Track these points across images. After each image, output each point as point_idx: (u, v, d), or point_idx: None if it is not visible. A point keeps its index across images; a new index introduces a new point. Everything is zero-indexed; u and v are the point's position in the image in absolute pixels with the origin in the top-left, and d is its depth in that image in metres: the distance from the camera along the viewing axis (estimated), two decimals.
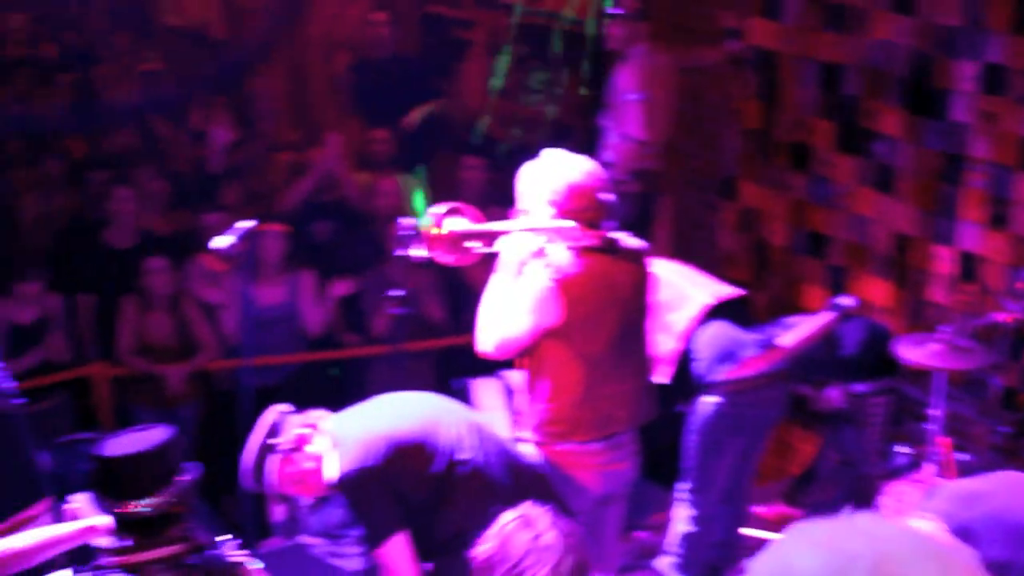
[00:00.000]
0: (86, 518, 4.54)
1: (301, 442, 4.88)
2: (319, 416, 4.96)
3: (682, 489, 6.31)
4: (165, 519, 3.83)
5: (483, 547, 3.72)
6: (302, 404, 5.23)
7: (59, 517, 6.17)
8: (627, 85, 8.91)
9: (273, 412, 4.97)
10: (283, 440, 4.87)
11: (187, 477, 3.91)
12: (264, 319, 8.24)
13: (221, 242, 6.19)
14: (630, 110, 8.91)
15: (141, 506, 3.81)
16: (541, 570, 3.61)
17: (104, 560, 3.84)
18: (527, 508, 3.79)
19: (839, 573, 1.71)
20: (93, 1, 15.07)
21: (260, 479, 4.91)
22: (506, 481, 4.79)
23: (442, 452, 4.78)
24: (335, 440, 4.82)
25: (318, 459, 4.85)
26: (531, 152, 5.37)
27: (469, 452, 4.79)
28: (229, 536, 4.44)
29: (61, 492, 6.21)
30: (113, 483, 3.84)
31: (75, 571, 3.90)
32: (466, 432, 4.87)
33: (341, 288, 8.71)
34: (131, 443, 3.89)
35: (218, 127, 10.08)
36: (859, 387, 7.08)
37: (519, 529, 3.71)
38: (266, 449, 4.87)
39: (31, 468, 5.33)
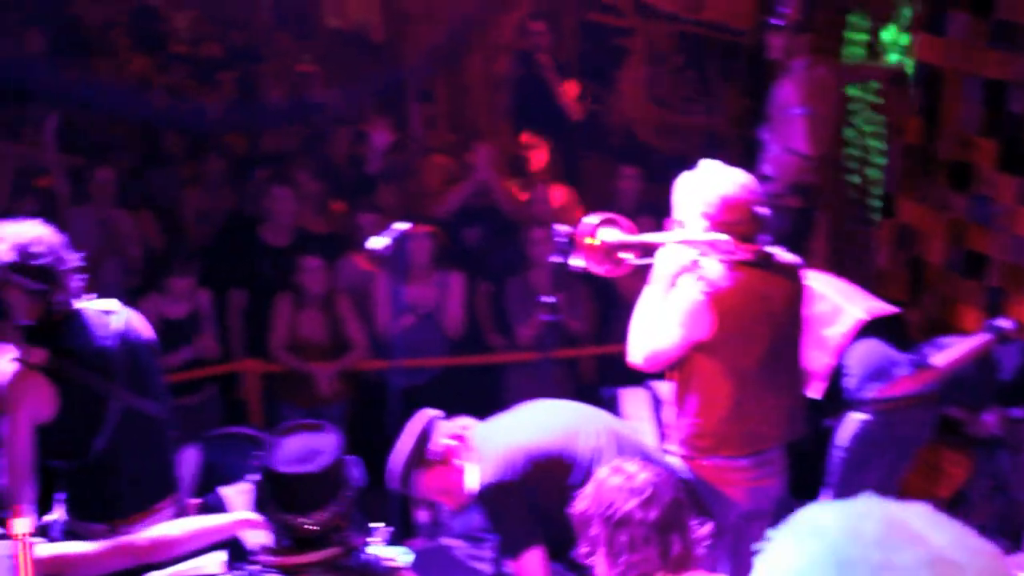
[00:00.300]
0: (237, 511, 4.63)
1: (449, 454, 4.91)
2: (467, 425, 4.98)
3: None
4: (329, 530, 3.87)
5: (580, 503, 3.78)
6: (446, 406, 5.27)
7: (209, 509, 6.30)
8: (789, 98, 8.82)
9: (423, 417, 5.00)
10: (432, 449, 4.92)
11: (353, 491, 3.93)
12: (413, 319, 8.32)
13: (376, 243, 6.26)
14: (792, 124, 8.82)
15: (309, 522, 3.85)
16: (633, 503, 3.69)
17: (261, 558, 3.87)
18: (619, 460, 3.85)
19: (853, 522, 1.99)
20: (259, 1, 15.34)
21: (407, 485, 4.96)
22: None
23: (580, 464, 4.77)
24: (479, 452, 4.84)
25: (462, 471, 4.88)
26: (687, 163, 5.34)
27: (608, 464, 4.78)
28: (381, 524, 4.49)
29: (211, 485, 6.34)
30: (283, 498, 3.86)
31: (230, 568, 3.95)
32: (606, 443, 4.86)
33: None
34: (302, 456, 3.89)
35: (377, 130, 10.17)
36: (1016, 412, 6.93)
37: (611, 476, 3.83)
38: (415, 457, 4.91)
39: (167, 465, 5.44)
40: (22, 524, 4.01)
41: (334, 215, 9.85)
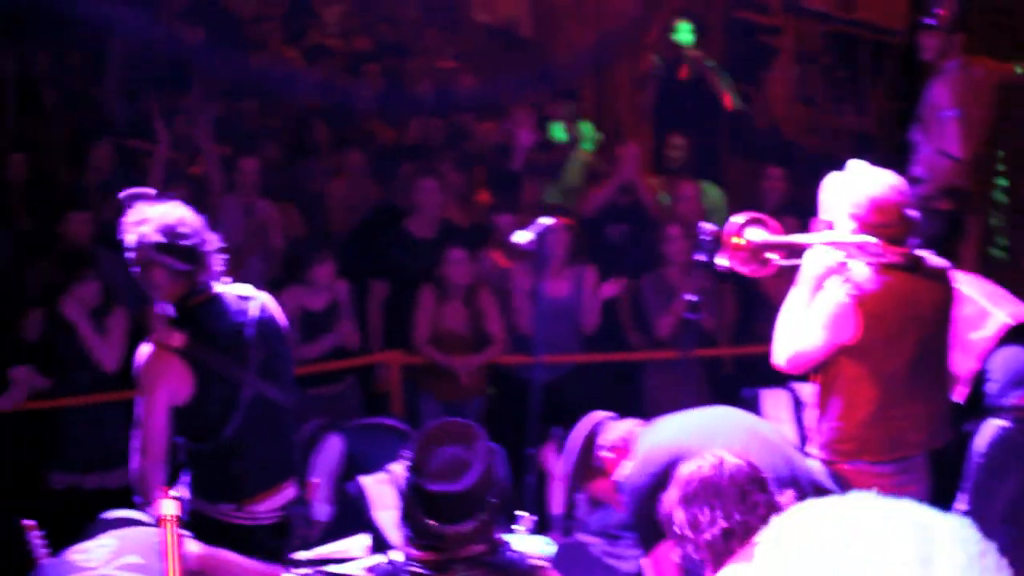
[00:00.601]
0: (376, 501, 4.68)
1: (611, 465, 4.92)
2: (634, 427, 4.98)
3: (958, 509, 6.12)
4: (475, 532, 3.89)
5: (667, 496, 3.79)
6: (584, 402, 5.27)
7: (348, 497, 6.38)
8: (942, 100, 8.66)
9: (591, 420, 5.02)
10: (597, 457, 4.93)
11: (500, 494, 3.94)
12: (549, 313, 8.33)
13: (520, 237, 6.27)
14: (944, 126, 8.66)
15: (455, 531, 3.86)
16: (714, 476, 3.75)
17: (406, 551, 3.90)
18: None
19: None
20: None
21: (577, 484, 4.99)
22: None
23: None
24: (637, 451, 4.86)
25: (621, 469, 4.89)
26: (835, 163, 5.28)
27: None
28: (525, 514, 4.50)
29: (352, 473, 6.41)
30: (430, 511, 3.87)
31: (371, 572, 3.98)
32: (747, 446, 4.83)
33: (610, 289, 8.72)
34: (450, 470, 3.89)
35: (523, 128, 10.17)
36: None
37: (695, 462, 3.86)
38: (581, 464, 4.94)
39: (290, 448, 5.50)
40: (169, 506, 4.06)
41: (477, 208, 9.89)
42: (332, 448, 6.87)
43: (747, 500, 3.76)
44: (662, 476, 4.73)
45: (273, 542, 5.20)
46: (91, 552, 4.05)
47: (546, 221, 6.31)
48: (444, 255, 8.47)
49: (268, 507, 5.28)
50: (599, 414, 5.04)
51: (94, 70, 11.75)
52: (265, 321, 5.38)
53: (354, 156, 10.21)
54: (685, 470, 3.86)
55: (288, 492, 5.34)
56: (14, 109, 11.16)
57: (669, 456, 4.74)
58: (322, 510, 6.42)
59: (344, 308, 8.50)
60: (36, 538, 4.43)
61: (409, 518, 3.89)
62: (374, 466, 6.35)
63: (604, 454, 4.92)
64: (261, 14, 15.05)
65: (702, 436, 4.83)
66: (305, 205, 9.76)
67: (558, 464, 5.03)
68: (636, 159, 9.67)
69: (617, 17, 12.41)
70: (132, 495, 5.02)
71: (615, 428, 4.98)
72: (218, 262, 5.31)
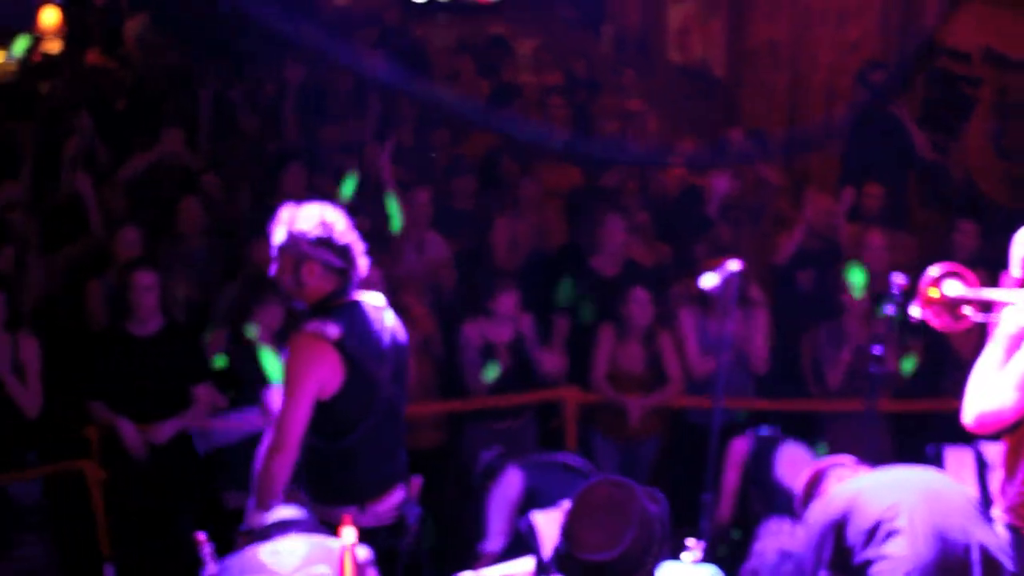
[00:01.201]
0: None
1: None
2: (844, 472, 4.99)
3: None
4: None
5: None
6: None
7: (520, 534, 6.41)
8: None
9: (825, 463, 5.04)
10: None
11: (659, 547, 3.93)
12: (725, 357, 8.25)
13: (708, 281, 6.24)
14: None
15: None
16: None
17: None
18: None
19: None
20: (603, 32, 15.55)
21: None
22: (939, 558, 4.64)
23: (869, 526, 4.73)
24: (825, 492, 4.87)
25: None
26: None
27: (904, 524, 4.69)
28: (695, 540, 4.48)
29: (527, 508, 6.43)
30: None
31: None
32: (922, 508, 4.75)
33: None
34: (605, 536, 3.88)
35: (720, 178, 10.05)
36: None
37: None
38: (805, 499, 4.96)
39: (403, 453, 5.58)
40: (349, 534, 4.11)
41: (660, 249, 9.85)
42: (511, 481, 6.89)
43: None
44: (835, 523, 4.71)
45: (390, 541, 5.34)
46: (281, 555, 4.12)
47: (734, 265, 6.26)
48: (626, 294, 8.44)
49: (387, 507, 5.41)
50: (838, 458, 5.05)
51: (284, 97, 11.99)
52: (396, 331, 5.51)
53: (528, 189, 10.17)
54: None
55: (400, 492, 5.47)
56: (211, 133, 11.42)
57: (845, 505, 4.70)
58: (495, 541, 6.46)
59: (530, 341, 8.50)
60: (208, 551, 4.51)
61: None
62: (550, 502, 6.35)
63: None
64: (454, 45, 15.29)
65: (881, 491, 4.77)
66: (482, 238, 9.79)
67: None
68: (823, 206, 9.54)
69: (811, 62, 12.31)
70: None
71: (836, 474, 4.98)
72: (364, 268, 5.39)
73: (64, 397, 8.28)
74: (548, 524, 6.30)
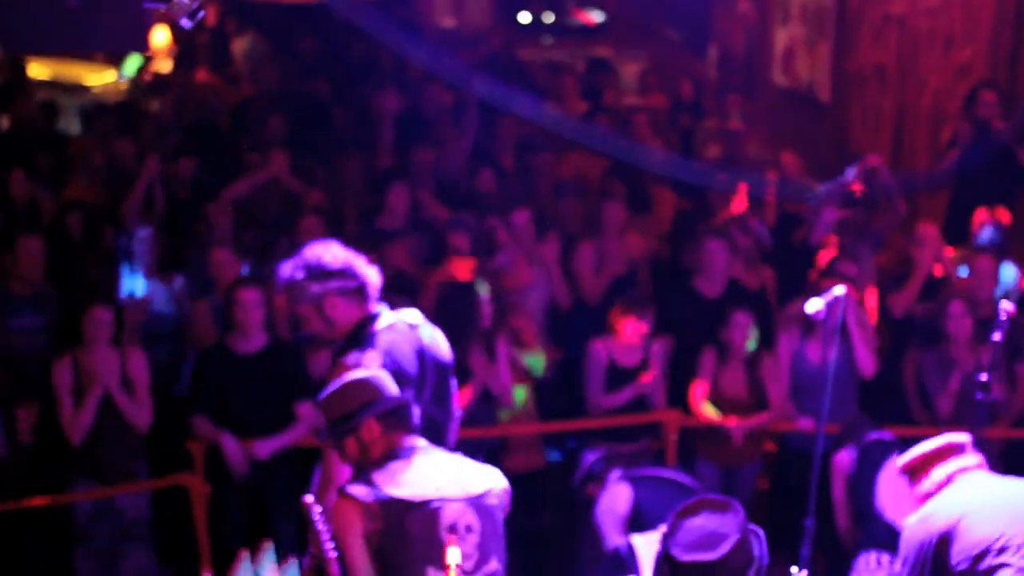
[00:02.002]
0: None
1: None
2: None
3: None
4: None
5: None
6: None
7: (617, 558, 6.40)
8: None
9: None
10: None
11: (755, 570, 3.91)
12: (821, 381, 8.17)
13: (813, 305, 6.20)
14: None
15: None
16: None
17: None
18: None
19: None
20: (708, 54, 15.50)
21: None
22: None
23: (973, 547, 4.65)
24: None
25: None
26: None
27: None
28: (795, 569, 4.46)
29: (636, 522, 6.45)
30: None
31: None
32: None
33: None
34: (703, 541, 3.88)
35: (830, 208, 9.93)
36: None
37: None
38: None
39: None
40: (454, 554, 4.12)
41: (763, 272, 9.77)
42: (620, 495, 6.89)
43: None
44: (936, 541, 4.65)
45: None
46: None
47: (839, 291, 6.21)
48: (729, 317, 8.39)
49: None
50: None
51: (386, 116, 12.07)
52: (436, 349, 5.53)
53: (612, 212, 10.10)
54: None
55: None
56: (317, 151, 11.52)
57: (947, 524, 4.65)
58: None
59: (654, 363, 8.47)
60: (318, 513, 4.52)
61: None
62: (658, 519, 6.36)
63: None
64: (559, 66, 15.32)
65: (989, 514, 4.71)
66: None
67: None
68: (933, 237, 9.35)
69: (918, 86, 12.18)
70: None
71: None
72: (376, 277, 5.46)
73: (170, 412, 8.43)
74: (648, 548, 6.29)
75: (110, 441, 7.75)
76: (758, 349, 8.50)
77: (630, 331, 8.36)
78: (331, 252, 5.46)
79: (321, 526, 4.39)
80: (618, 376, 8.40)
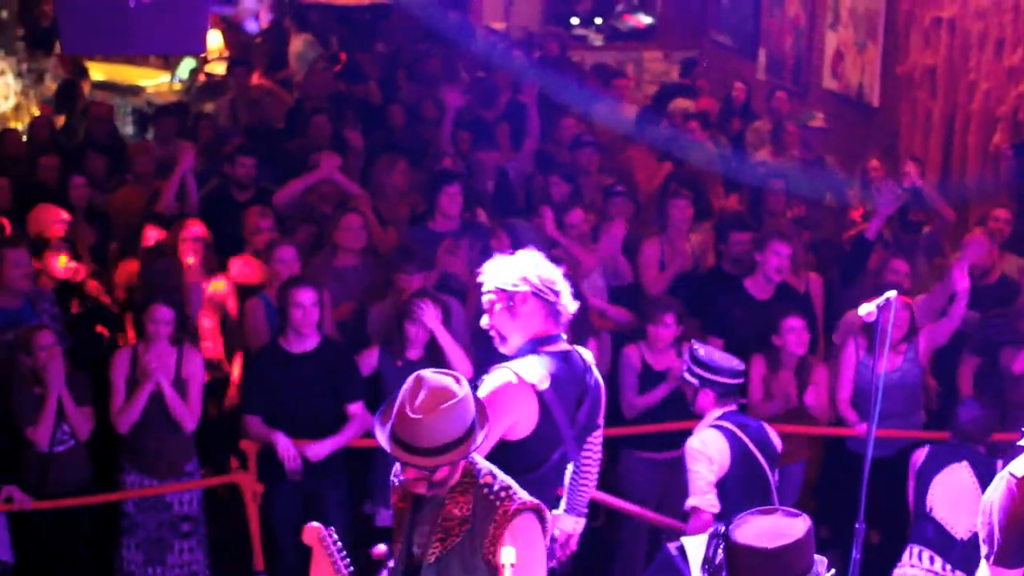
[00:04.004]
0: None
1: None
2: None
3: None
4: None
5: None
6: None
7: (666, 560, 6.43)
8: None
9: None
10: None
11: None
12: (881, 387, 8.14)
13: (865, 309, 6.20)
14: None
15: None
16: None
17: None
18: None
19: None
20: (757, 57, 15.46)
21: None
22: None
23: None
24: None
25: None
26: None
27: None
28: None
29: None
30: (737, 570, 3.91)
31: None
32: None
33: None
34: (764, 533, 3.91)
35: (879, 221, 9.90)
36: None
37: None
38: None
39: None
40: (510, 554, 4.14)
41: (810, 277, 9.72)
42: None
43: None
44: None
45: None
46: None
47: (892, 295, 6.21)
48: (780, 321, 8.34)
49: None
50: None
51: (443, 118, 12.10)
52: (596, 382, 5.62)
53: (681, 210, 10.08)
54: None
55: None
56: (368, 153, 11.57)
57: None
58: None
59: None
60: (332, 542, 4.57)
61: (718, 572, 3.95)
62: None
63: None
64: (613, 69, 15.35)
65: None
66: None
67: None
68: (982, 239, 9.31)
69: (968, 89, 12.13)
70: None
71: None
72: (571, 308, 5.50)
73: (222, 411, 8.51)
74: (695, 548, 6.31)
75: (158, 435, 7.83)
76: (805, 354, 8.45)
77: (662, 334, 8.38)
78: (547, 266, 5.53)
79: (335, 552, 4.48)
80: (651, 379, 8.39)
